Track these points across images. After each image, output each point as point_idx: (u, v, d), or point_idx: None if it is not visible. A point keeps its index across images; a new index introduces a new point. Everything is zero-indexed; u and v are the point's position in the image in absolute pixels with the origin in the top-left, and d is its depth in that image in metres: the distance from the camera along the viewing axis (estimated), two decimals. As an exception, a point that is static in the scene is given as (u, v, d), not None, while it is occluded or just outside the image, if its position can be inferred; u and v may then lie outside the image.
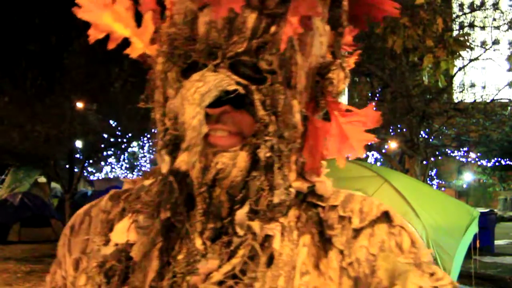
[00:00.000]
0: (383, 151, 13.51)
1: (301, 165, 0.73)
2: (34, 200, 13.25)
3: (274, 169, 0.67)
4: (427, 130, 12.92)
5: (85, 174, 20.33)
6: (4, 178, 15.66)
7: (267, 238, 0.67)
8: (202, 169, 0.65)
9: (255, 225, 0.67)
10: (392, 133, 13.01)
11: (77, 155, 14.87)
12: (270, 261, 0.67)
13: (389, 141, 12.99)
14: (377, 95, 13.72)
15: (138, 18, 0.78)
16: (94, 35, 0.77)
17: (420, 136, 12.08)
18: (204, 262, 0.65)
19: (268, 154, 0.67)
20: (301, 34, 0.67)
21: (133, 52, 0.77)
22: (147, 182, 0.73)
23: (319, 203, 0.73)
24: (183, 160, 0.64)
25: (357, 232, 0.70)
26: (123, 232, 0.72)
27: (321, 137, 0.72)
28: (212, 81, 0.63)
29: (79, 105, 12.05)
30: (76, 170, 14.76)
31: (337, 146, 0.74)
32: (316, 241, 0.70)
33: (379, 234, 0.70)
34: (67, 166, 14.53)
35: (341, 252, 0.69)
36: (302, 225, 0.71)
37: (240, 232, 0.66)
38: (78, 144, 14.32)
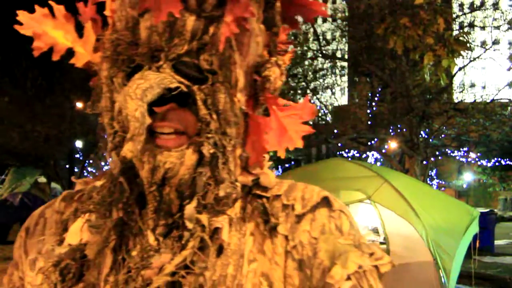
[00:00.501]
0: (383, 151, 13.52)
1: (245, 160, 0.78)
2: (34, 200, 13.24)
3: (219, 165, 0.71)
4: (427, 130, 12.93)
5: (85, 174, 20.32)
6: (4, 178, 15.64)
7: (216, 230, 0.71)
8: (151, 170, 0.68)
9: (203, 218, 0.70)
10: (392, 133, 13.02)
11: (77, 155, 14.88)
12: (220, 251, 0.71)
13: (389, 141, 13.00)
14: (377, 95, 13.73)
15: (80, 29, 0.82)
16: (38, 48, 0.80)
17: (420, 136, 12.08)
18: (157, 257, 0.69)
19: (212, 151, 0.70)
20: (238, 34, 0.71)
21: (78, 61, 0.81)
22: (98, 183, 0.76)
23: (263, 194, 0.78)
24: (128, 149, 0.67)
25: (299, 217, 0.75)
26: (77, 232, 0.75)
27: (262, 132, 0.77)
28: (153, 79, 0.67)
29: (79, 105, 12.05)
30: (76, 170, 14.76)
31: (277, 139, 0.79)
32: (262, 230, 0.75)
33: (319, 218, 0.75)
34: (67, 166, 14.54)
35: (286, 237, 0.74)
36: (248, 215, 0.76)
37: (190, 225, 0.69)
38: (78, 144, 14.33)
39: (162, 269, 0.68)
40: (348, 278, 0.69)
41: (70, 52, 0.81)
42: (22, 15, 0.80)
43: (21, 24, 0.80)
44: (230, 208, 0.74)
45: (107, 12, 0.78)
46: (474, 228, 5.62)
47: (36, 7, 0.80)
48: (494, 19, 12.63)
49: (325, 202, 0.77)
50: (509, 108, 14.13)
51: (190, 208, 0.70)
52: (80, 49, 0.80)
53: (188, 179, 0.70)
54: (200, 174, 0.70)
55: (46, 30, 0.80)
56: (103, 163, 20.82)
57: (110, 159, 0.73)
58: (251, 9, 0.70)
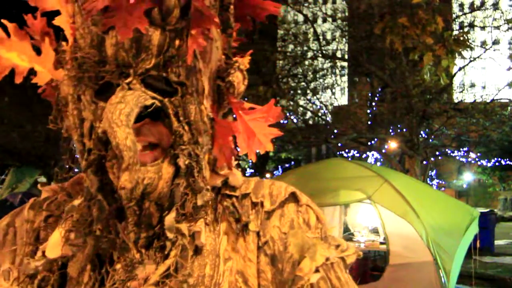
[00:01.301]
0: (383, 151, 13.52)
1: (213, 163, 0.80)
2: (34, 200, 13.23)
3: (195, 174, 0.72)
4: (427, 130, 12.93)
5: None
6: (4, 178, 15.64)
7: (193, 235, 0.73)
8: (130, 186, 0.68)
9: (183, 227, 0.72)
10: (392, 133, 13.01)
11: (77, 155, 14.88)
12: (196, 252, 0.73)
13: (389, 141, 12.99)
14: (377, 95, 13.73)
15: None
16: None
17: (420, 136, 12.08)
18: (142, 268, 0.70)
19: (187, 162, 0.71)
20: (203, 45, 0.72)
21: (40, 80, 0.80)
22: (76, 202, 0.76)
23: (233, 193, 0.80)
24: (126, 179, 0.67)
25: (269, 214, 0.78)
26: (55, 247, 0.75)
27: (228, 135, 0.78)
28: (131, 100, 0.67)
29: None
30: (76, 170, 14.76)
31: (246, 142, 0.80)
32: (234, 229, 0.77)
33: (288, 213, 0.78)
34: (67, 166, 14.53)
35: (257, 234, 0.77)
36: (220, 215, 0.78)
37: (170, 235, 0.71)
38: (78, 144, 14.33)
39: (147, 280, 0.70)
40: (317, 271, 0.73)
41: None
42: None
43: None
44: (207, 215, 0.76)
45: (57, 23, 0.77)
46: (474, 228, 5.62)
47: None
48: (494, 19, 12.63)
49: (293, 197, 0.80)
50: (509, 108, 14.13)
51: (169, 219, 0.71)
52: (40, 68, 0.79)
53: (166, 192, 0.71)
54: (177, 185, 0.71)
55: (2, 53, 0.78)
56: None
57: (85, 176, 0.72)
58: (216, 20, 0.72)
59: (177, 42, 0.71)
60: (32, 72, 0.79)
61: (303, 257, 0.74)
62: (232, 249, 0.76)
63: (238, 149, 0.81)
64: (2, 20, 0.79)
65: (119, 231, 0.71)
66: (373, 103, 13.79)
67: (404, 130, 12.21)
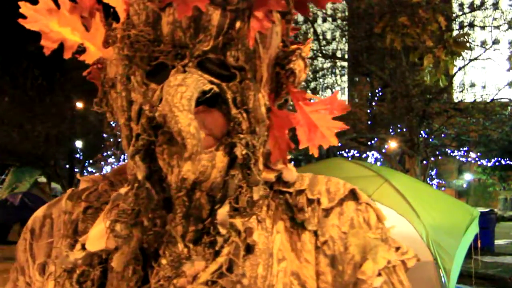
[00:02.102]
0: (383, 151, 13.51)
1: (266, 156, 0.75)
2: (34, 200, 13.24)
3: (251, 166, 0.68)
4: (427, 130, 12.92)
5: (85, 174, 20.30)
6: (4, 178, 15.65)
7: (246, 231, 0.68)
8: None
9: (238, 222, 0.67)
10: (392, 133, 13.01)
11: (77, 155, 14.88)
12: (248, 251, 0.68)
13: (389, 141, 12.99)
14: (377, 95, 13.72)
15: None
16: (48, 46, 0.74)
17: (420, 136, 12.07)
18: (190, 265, 0.65)
19: (244, 152, 0.67)
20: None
21: (89, 58, 0.75)
22: (122, 190, 0.70)
23: (286, 189, 0.74)
24: (189, 170, 0.62)
25: (327, 211, 0.72)
26: (98, 239, 0.69)
27: (285, 127, 0.73)
28: (192, 84, 0.62)
29: (79, 105, 12.05)
30: (76, 170, 14.76)
31: (306, 135, 0.74)
32: (288, 227, 0.72)
33: (347, 212, 0.73)
34: (67, 166, 14.54)
35: (314, 233, 0.71)
36: (273, 213, 0.73)
37: (223, 231, 0.66)
38: (78, 144, 14.33)
39: (196, 278, 0.64)
40: (379, 274, 0.68)
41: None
42: (24, 7, 0.73)
43: (24, 17, 0.73)
44: (262, 210, 0.71)
45: (116, 4, 0.72)
46: (474, 228, 5.62)
47: None
48: (494, 19, 12.63)
49: (352, 194, 0.74)
50: (509, 108, 14.12)
51: (223, 213, 0.66)
52: (90, 45, 0.74)
53: (220, 182, 0.66)
54: (232, 177, 0.66)
55: (51, 24, 0.73)
56: (103, 163, 20.82)
57: (132, 162, 0.67)
58: (282, 1, 0.66)
59: (238, 23, 0.65)
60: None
61: (365, 259, 0.69)
62: (286, 249, 0.70)
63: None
64: None
65: (166, 223, 0.66)
66: (373, 103, 13.79)
67: (404, 130, 12.21)
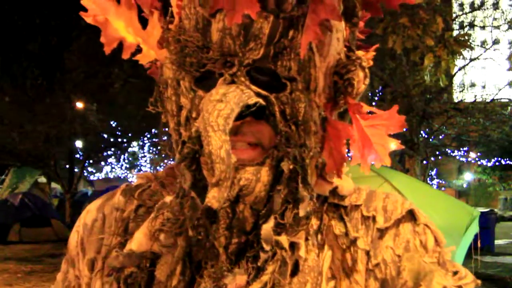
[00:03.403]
0: (383, 151, 13.46)
1: (321, 167, 0.71)
2: (34, 200, 13.24)
3: (298, 180, 0.65)
4: (427, 130, 12.92)
5: (85, 174, 20.33)
6: (4, 178, 15.66)
7: (292, 246, 0.66)
8: None
9: (283, 239, 0.64)
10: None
11: (77, 155, 14.88)
12: (296, 268, 0.66)
13: (389, 141, 12.96)
14: (377, 95, 13.72)
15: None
16: (108, 44, 0.72)
17: (420, 136, 12.07)
18: (232, 278, 0.63)
19: (291, 166, 0.64)
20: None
21: (143, 58, 0.74)
22: (168, 199, 0.69)
23: (341, 203, 0.72)
24: (214, 197, 0.58)
25: (382, 232, 0.69)
26: (144, 240, 0.69)
27: (342, 138, 0.68)
28: (233, 99, 0.59)
29: (79, 105, 12.06)
30: (76, 170, 14.76)
31: (360, 151, 0.70)
32: (340, 244, 0.69)
33: (404, 233, 0.69)
34: (67, 166, 14.54)
35: (367, 253, 0.68)
36: (325, 228, 0.70)
37: (267, 247, 0.63)
38: (78, 144, 14.33)
39: None
40: None
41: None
42: (86, 0, 0.71)
43: (85, 10, 0.71)
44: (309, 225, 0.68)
45: (172, 4, 0.71)
46: (474, 228, 5.62)
47: None
48: (494, 19, 12.62)
49: (410, 215, 0.71)
50: (509, 107, 14.12)
51: (267, 229, 0.63)
52: (144, 46, 0.73)
53: (264, 196, 0.64)
54: (278, 191, 0.64)
55: (109, 19, 0.71)
56: (103, 163, 20.82)
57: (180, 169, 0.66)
58: (337, 11, 0.62)
59: (290, 32, 0.62)
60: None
61: (418, 285, 0.66)
62: (336, 267, 0.67)
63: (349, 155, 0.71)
64: None
65: (210, 234, 0.64)
66: (373, 103, 13.79)
67: (404, 130, 12.20)
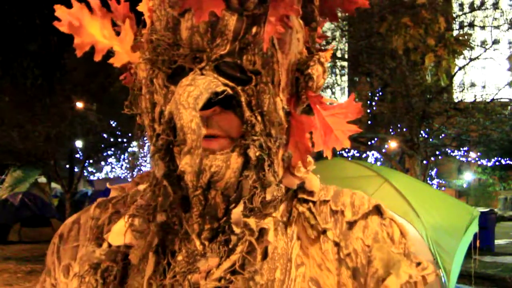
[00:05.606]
0: (383, 151, 13.50)
1: (287, 160, 0.76)
2: (34, 200, 13.25)
3: (265, 167, 0.70)
4: (427, 129, 12.92)
5: (85, 174, 20.33)
6: (4, 178, 15.64)
7: (261, 232, 0.70)
8: (196, 173, 0.66)
9: (251, 221, 0.69)
10: (392, 133, 13.01)
11: (77, 155, 14.88)
12: (265, 254, 0.70)
13: (389, 141, 12.99)
14: (377, 94, 13.72)
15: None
16: (80, 48, 0.77)
17: (420, 135, 12.07)
18: (204, 261, 0.67)
19: (257, 153, 0.69)
20: (281, 32, 0.69)
21: (117, 61, 0.79)
22: (141, 187, 0.74)
23: (310, 198, 0.77)
24: (187, 163, 0.64)
25: (351, 224, 0.74)
26: (120, 234, 0.74)
27: (305, 131, 0.74)
28: (202, 84, 0.65)
29: (79, 105, 12.06)
30: (76, 170, 14.76)
31: (322, 138, 0.76)
32: (309, 234, 0.74)
33: (372, 226, 0.75)
34: (67, 166, 14.54)
35: (337, 244, 0.73)
36: (294, 219, 0.75)
37: (237, 230, 0.68)
38: (78, 144, 14.33)
39: (209, 274, 0.67)
40: None
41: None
42: (59, 10, 0.76)
43: (59, 20, 0.76)
44: (276, 211, 0.73)
45: (140, 8, 0.77)
46: (474, 228, 5.62)
47: (73, 1, 0.77)
48: (494, 19, 12.63)
49: (376, 210, 0.76)
50: (509, 107, 14.12)
51: (237, 213, 0.68)
52: (118, 49, 0.78)
53: (234, 182, 0.69)
54: (246, 177, 0.69)
55: (84, 25, 0.77)
56: (103, 163, 20.81)
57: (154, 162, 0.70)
58: (296, 7, 0.68)
59: (254, 28, 0.68)
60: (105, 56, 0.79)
61: (388, 273, 0.71)
62: (305, 255, 0.73)
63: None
64: None
65: (183, 221, 0.69)
66: (373, 103, 13.79)
67: (404, 129, 12.20)
